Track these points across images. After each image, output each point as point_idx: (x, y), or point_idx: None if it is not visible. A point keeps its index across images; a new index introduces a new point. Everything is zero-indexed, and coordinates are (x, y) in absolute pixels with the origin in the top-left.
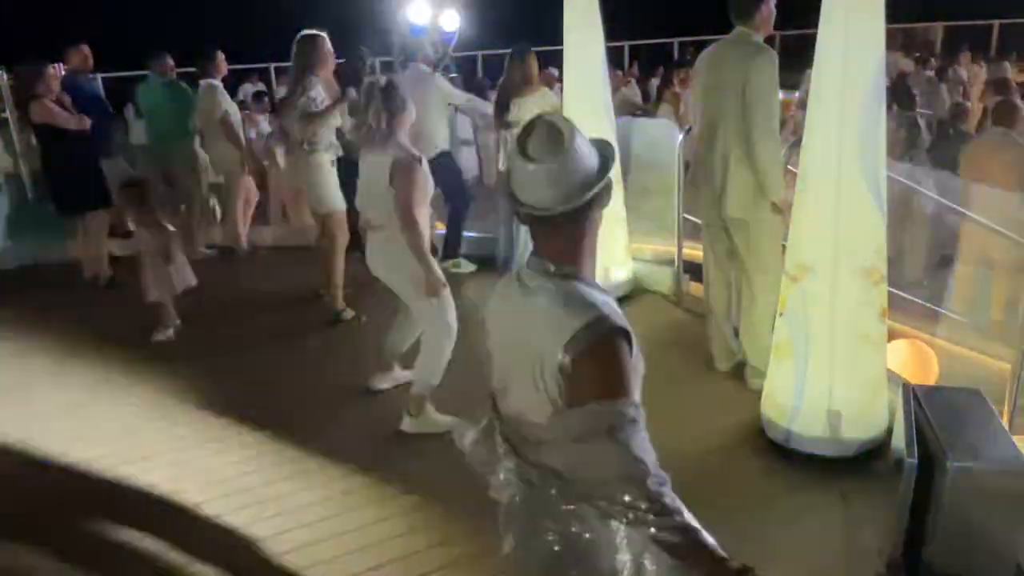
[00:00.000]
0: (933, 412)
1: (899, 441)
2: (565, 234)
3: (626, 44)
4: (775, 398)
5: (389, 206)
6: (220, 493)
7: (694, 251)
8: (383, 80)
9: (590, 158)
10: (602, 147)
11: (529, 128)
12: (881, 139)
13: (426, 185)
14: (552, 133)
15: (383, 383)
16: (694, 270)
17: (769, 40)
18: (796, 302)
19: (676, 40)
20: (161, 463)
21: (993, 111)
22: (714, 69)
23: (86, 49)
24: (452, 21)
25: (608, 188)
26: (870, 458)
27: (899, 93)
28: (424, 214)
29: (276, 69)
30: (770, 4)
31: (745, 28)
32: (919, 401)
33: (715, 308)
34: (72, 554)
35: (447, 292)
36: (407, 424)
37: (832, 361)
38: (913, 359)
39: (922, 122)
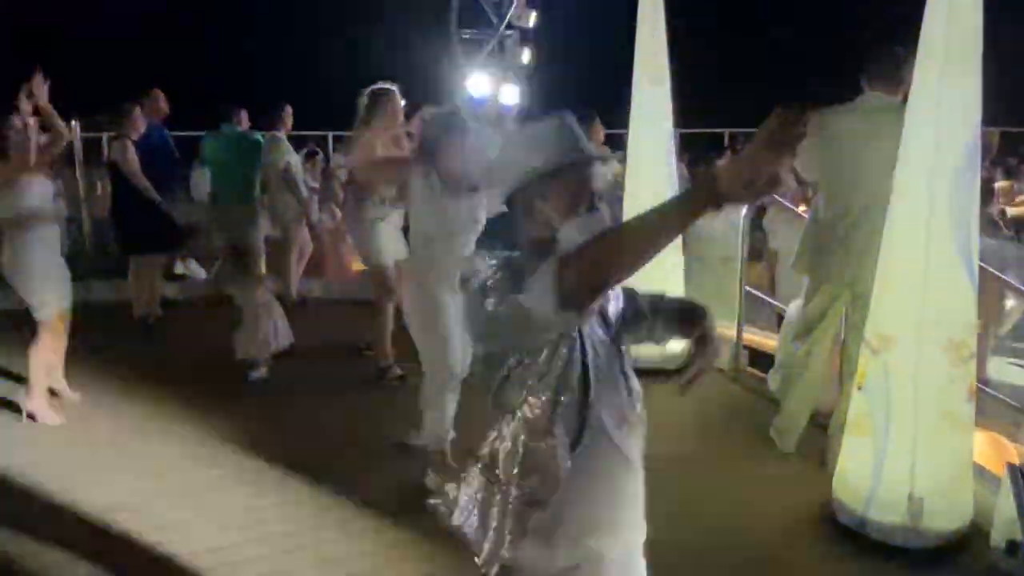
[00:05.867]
0: None
1: (1003, 524)
2: None
3: (678, 131)
4: (849, 479)
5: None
6: (254, 536)
7: (753, 336)
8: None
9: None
10: None
11: None
12: (974, 209)
13: None
14: None
15: (417, 439)
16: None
17: None
18: (877, 375)
19: (727, 131)
20: (197, 502)
21: None
22: (866, 137)
23: (160, 95)
24: (512, 95)
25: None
26: (953, 552)
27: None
28: None
29: (333, 137)
30: None
31: (886, 94)
32: None
33: (808, 387)
34: None
35: (449, 336)
36: (430, 480)
37: (915, 441)
38: (990, 451)
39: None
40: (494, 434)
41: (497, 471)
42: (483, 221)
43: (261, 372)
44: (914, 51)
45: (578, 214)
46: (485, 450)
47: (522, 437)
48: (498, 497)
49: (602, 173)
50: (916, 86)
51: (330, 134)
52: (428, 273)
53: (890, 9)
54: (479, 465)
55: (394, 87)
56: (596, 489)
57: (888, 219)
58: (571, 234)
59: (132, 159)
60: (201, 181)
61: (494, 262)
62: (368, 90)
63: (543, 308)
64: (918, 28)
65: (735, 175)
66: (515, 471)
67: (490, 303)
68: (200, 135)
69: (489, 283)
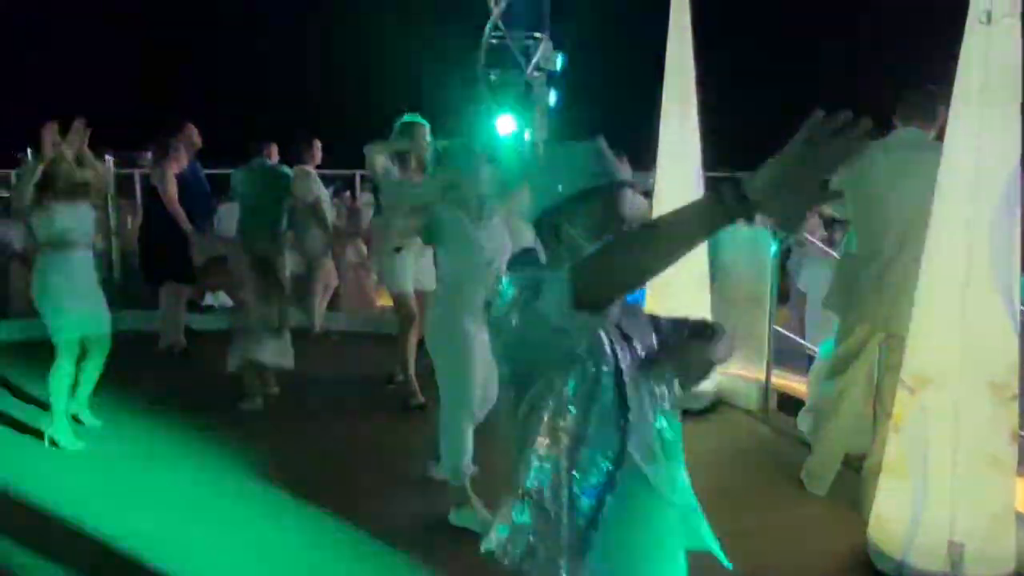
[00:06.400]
0: None
1: None
2: None
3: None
4: (886, 524)
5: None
6: (274, 567)
7: (781, 379)
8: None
9: None
10: None
11: None
12: (1015, 243)
13: None
14: None
15: (437, 471)
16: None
17: None
18: (914, 416)
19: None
20: (216, 531)
21: None
22: (900, 174)
23: (193, 130)
24: (536, 134)
25: None
26: None
27: None
28: None
29: (360, 176)
30: None
31: (920, 130)
32: None
33: (841, 428)
34: None
35: (469, 365)
36: (452, 516)
37: (955, 485)
38: None
39: None
40: (532, 464)
41: (545, 504)
42: (507, 250)
43: (254, 403)
44: (948, 87)
45: (605, 239)
46: (524, 483)
47: (564, 467)
48: (552, 531)
49: (631, 199)
50: (953, 121)
51: (357, 173)
52: (456, 303)
53: (924, 43)
54: (523, 499)
55: (422, 120)
56: (633, 526)
57: (925, 256)
58: None
59: (172, 187)
60: (227, 216)
61: (519, 281)
62: (400, 121)
63: (558, 310)
64: (951, 63)
65: (768, 181)
66: (563, 502)
67: (514, 318)
68: (227, 172)
69: (513, 300)
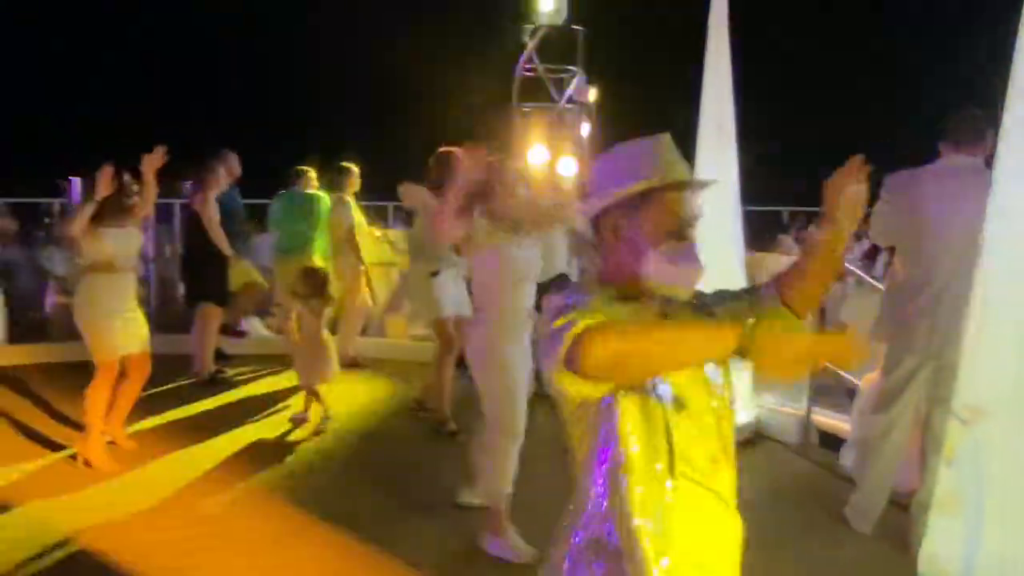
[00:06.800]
0: None
1: None
2: None
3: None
4: (938, 563)
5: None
6: None
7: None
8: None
9: None
10: None
11: None
12: None
13: None
14: None
15: (470, 498)
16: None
17: None
18: (967, 449)
19: (786, 209)
20: (247, 554)
21: None
22: (949, 200)
23: (233, 157)
24: (569, 167)
25: None
26: None
27: None
28: None
29: (395, 207)
30: None
31: (968, 157)
32: None
33: (888, 463)
34: None
35: (515, 390)
36: (484, 541)
37: (1015, 523)
38: None
39: None
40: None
41: (617, 543)
42: (537, 272)
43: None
44: (995, 112)
45: (667, 240)
46: (585, 510)
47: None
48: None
49: (695, 200)
50: (1006, 142)
51: (390, 205)
52: (493, 324)
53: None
54: (582, 528)
55: (458, 150)
56: (694, 535)
57: (977, 281)
58: (660, 262)
59: (214, 211)
60: (261, 246)
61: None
62: (436, 153)
63: (546, 369)
64: (994, 90)
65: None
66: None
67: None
68: (264, 202)
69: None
